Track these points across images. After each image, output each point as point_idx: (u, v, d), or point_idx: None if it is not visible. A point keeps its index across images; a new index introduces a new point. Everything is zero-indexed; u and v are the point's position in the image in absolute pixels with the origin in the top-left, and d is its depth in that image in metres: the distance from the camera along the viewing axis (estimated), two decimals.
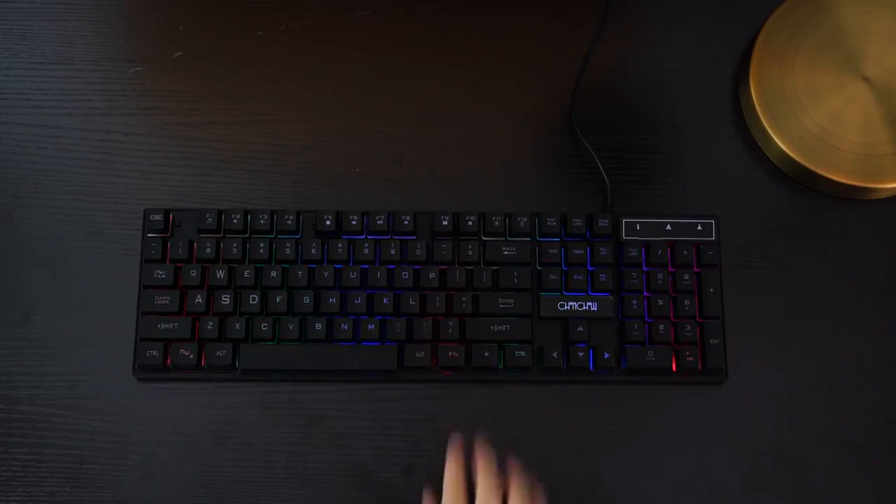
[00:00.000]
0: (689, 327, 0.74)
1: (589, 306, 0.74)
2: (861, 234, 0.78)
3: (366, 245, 0.74)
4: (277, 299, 0.73)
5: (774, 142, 0.77)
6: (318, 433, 0.74)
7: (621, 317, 0.74)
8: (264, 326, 0.73)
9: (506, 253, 0.75)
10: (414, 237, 0.75)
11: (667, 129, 0.80)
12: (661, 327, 0.73)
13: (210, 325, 0.73)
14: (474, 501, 0.64)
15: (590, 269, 0.75)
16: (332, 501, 0.73)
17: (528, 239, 0.75)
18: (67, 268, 0.76)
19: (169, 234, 0.75)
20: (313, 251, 0.74)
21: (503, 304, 0.74)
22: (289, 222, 0.75)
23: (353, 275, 0.74)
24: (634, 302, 0.74)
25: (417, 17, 0.82)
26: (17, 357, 0.75)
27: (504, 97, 0.81)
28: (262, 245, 0.74)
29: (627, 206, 0.78)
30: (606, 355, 0.73)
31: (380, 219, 0.75)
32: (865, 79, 0.78)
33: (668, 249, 0.75)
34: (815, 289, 0.77)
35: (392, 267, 0.74)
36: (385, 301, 0.73)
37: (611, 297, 0.74)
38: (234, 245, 0.74)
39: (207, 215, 0.75)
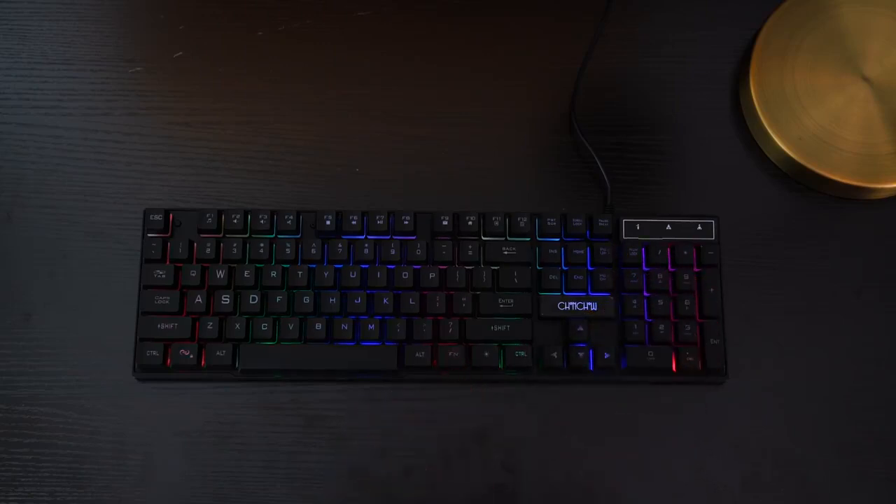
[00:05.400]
0: (689, 327, 0.74)
1: (589, 306, 0.74)
2: (861, 235, 0.78)
3: (366, 245, 0.74)
4: (277, 299, 0.73)
5: (774, 142, 0.77)
6: (318, 433, 0.74)
7: (621, 317, 0.74)
8: (264, 326, 0.73)
9: (506, 253, 0.75)
10: (414, 237, 0.75)
11: (667, 129, 0.80)
12: (661, 327, 0.73)
13: (210, 325, 0.73)
14: None
15: (590, 269, 0.75)
16: (332, 501, 0.73)
17: (528, 239, 0.75)
18: (67, 268, 0.76)
19: (169, 234, 0.75)
20: (313, 251, 0.74)
21: (503, 304, 0.74)
22: (289, 222, 0.75)
23: (354, 275, 0.74)
24: (634, 302, 0.74)
25: (417, 18, 0.82)
26: (17, 357, 0.75)
27: (504, 97, 0.81)
28: (262, 245, 0.74)
29: (627, 206, 0.78)
30: (606, 355, 0.73)
31: (380, 219, 0.75)
32: (865, 79, 0.78)
33: (668, 249, 0.75)
34: (815, 289, 0.77)
35: (392, 267, 0.74)
36: (385, 301, 0.73)
37: (611, 297, 0.74)
38: (234, 245, 0.74)
39: (207, 215, 0.75)
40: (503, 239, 0.75)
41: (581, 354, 0.73)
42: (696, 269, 0.75)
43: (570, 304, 0.74)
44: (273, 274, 0.74)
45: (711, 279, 0.75)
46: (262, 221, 0.75)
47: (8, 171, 0.78)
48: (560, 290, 0.74)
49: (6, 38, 0.81)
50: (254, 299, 0.73)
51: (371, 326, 0.73)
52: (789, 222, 0.78)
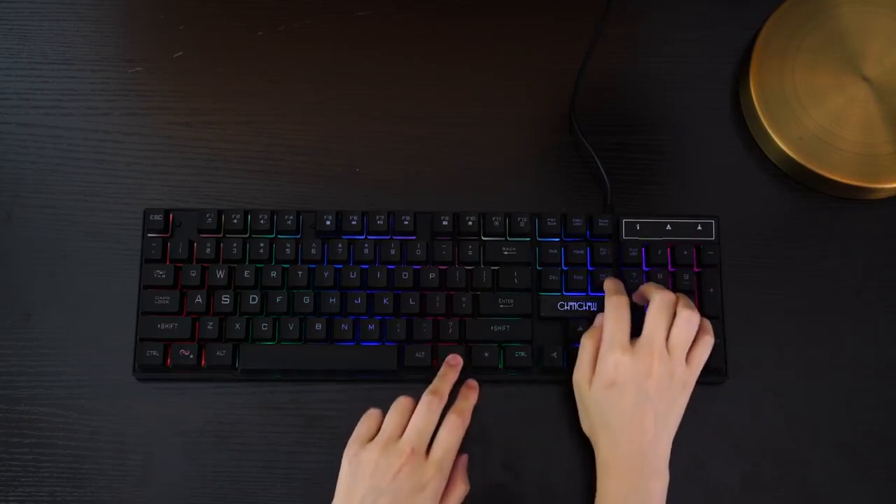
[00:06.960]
0: None
1: (589, 306, 0.74)
2: (861, 235, 0.78)
3: (366, 245, 0.74)
4: (277, 299, 0.73)
5: (774, 142, 0.77)
6: (318, 433, 0.74)
7: None
8: (264, 326, 0.73)
9: (506, 253, 0.75)
10: (414, 237, 0.75)
11: (667, 129, 0.80)
12: None
13: (210, 325, 0.73)
14: None
15: (590, 269, 0.75)
16: (331, 501, 0.72)
17: (528, 239, 0.75)
18: (67, 268, 0.76)
19: (169, 234, 0.75)
20: (313, 251, 0.74)
21: (503, 304, 0.74)
22: (289, 222, 0.75)
23: (354, 275, 0.74)
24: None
25: (417, 18, 0.82)
26: (17, 357, 0.75)
27: (504, 97, 0.81)
28: (262, 245, 0.74)
29: (627, 206, 0.78)
30: None
31: (380, 219, 0.75)
32: (865, 79, 0.78)
33: (668, 249, 0.75)
34: (815, 289, 0.77)
35: (392, 267, 0.74)
36: (385, 301, 0.73)
37: None
38: (234, 245, 0.74)
39: (207, 215, 0.75)
40: (503, 239, 0.75)
41: None
42: (696, 269, 0.75)
43: (570, 304, 0.74)
44: (273, 274, 0.74)
45: (711, 279, 0.75)
46: (262, 221, 0.75)
47: (8, 171, 0.78)
48: (560, 290, 0.74)
49: (6, 38, 0.81)
50: (254, 299, 0.73)
51: (371, 326, 0.73)
52: (789, 222, 0.78)
